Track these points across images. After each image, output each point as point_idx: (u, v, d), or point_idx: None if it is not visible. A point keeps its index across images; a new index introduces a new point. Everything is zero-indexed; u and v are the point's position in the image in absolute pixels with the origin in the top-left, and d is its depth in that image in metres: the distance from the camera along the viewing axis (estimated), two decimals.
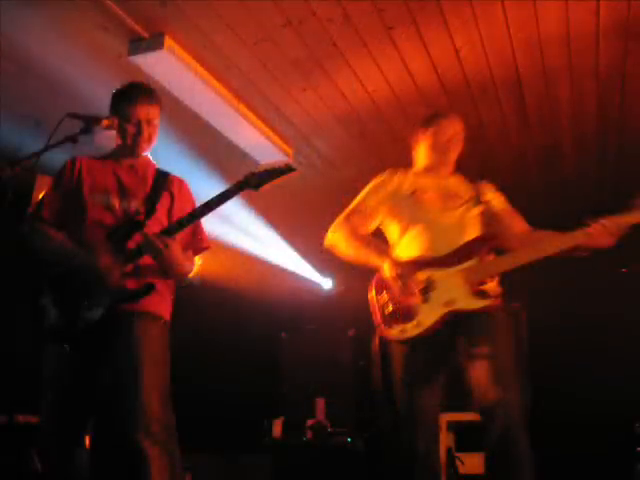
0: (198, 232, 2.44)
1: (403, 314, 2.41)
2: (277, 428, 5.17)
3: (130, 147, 2.40)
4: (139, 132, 2.36)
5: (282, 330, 5.98)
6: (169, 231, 2.24)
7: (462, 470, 4.12)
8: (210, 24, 3.09)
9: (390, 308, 2.45)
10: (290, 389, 5.66)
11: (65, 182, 2.33)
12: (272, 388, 5.72)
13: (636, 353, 4.69)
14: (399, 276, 2.39)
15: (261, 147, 4.14)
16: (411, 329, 2.38)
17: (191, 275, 2.39)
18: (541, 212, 3.24)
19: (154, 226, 2.27)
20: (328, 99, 3.81)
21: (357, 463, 4.66)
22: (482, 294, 2.38)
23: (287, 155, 4.31)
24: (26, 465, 3.33)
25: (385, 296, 2.48)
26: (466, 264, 2.41)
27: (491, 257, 2.47)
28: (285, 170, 2.29)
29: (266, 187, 2.28)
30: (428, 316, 2.37)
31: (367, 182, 2.71)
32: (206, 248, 2.46)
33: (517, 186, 3.66)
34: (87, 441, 2.44)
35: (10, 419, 3.48)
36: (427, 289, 2.39)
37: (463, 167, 2.74)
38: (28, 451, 3.33)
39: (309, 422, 5.05)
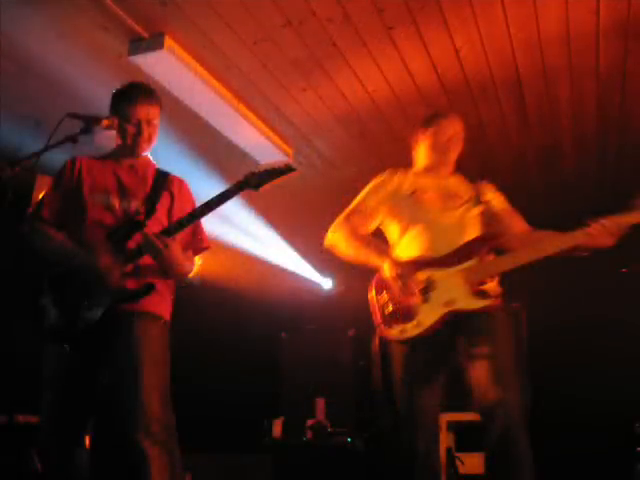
0: (198, 232, 2.44)
1: (403, 314, 2.40)
2: (277, 428, 5.17)
3: (130, 147, 2.40)
4: (139, 132, 2.36)
5: (282, 330, 5.98)
6: (169, 231, 2.24)
7: (462, 470, 4.11)
8: (210, 24, 3.09)
9: (390, 308, 2.45)
10: (290, 389, 5.65)
11: (65, 182, 2.33)
12: (272, 388, 5.72)
13: (636, 353, 4.68)
14: (399, 276, 2.38)
15: (261, 147, 4.14)
16: (411, 329, 2.38)
17: (191, 275, 2.39)
18: (541, 212, 3.24)
19: (154, 226, 2.27)
20: (328, 99, 3.81)
21: (357, 463, 4.65)
22: (482, 294, 2.37)
23: (287, 155, 4.31)
24: (26, 465, 3.33)
25: (385, 296, 2.48)
26: (466, 264, 2.41)
27: (491, 257, 2.47)
28: (285, 170, 2.29)
29: (266, 187, 2.28)
30: (428, 316, 2.37)
31: (367, 182, 2.71)
32: (206, 248, 2.46)
33: (517, 186, 3.67)
34: (87, 441, 2.44)
35: (10, 419, 3.48)
36: (427, 289, 2.39)
37: (463, 167, 2.74)
38: (28, 451, 3.33)
39: (309, 422, 5.05)
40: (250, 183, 2.26)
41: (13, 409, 3.48)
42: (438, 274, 2.41)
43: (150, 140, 2.42)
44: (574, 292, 5.04)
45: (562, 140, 4.34)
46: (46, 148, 2.08)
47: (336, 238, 2.60)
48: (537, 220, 2.60)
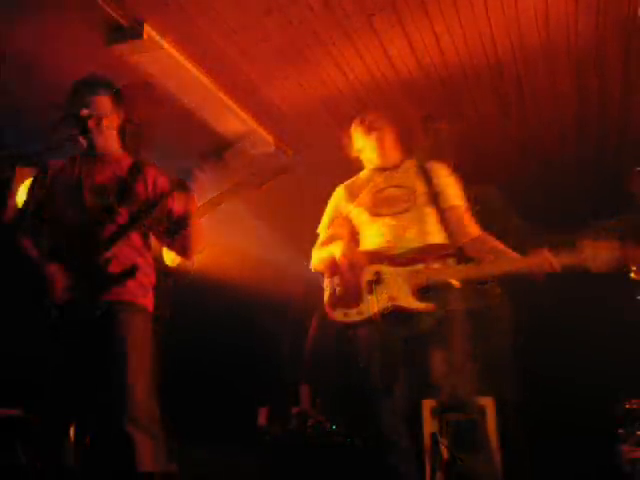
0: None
1: (348, 299, 2.49)
2: (262, 417, 5.17)
3: (97, 141, 2.39)
4: (97, 124, 2.35)
5: (280, 326, 6.01)
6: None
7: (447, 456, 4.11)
8: (191, 12, 3.07)
9: (338, 291, 2.53)
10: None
11: (39, 184, 2.37)
12: (271, 385, 5.74)
13: (636, 353, 4.67)
14: (351, 263, 2.47)
15: (252, 138, 4.10)
16: (354, 315, 2.48)
17: (189, 268, 2.42)
18: (541, 210, 3.24)
19: (124, 219, 2.29)
20: (323, 94, 3.78)
21: (357, 463, 4.64)
22: (422, 297, 2.43)
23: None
24: (11, 459, 3.32)
25: (335, 280, 2.57)
26: (415, 267, 2.46)
27: (440, 264, 2.50)
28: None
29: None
30: (371, 306, 2.44)
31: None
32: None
33: (516, 184, 3.66)
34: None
35: None
36: (375, 281, 2.47)
37: (458, 164, 2.75)
38: (13, 444, 3.32)
39: (294, 410, 5.05)
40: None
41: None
42: (387, 270, 2.48)
43: (111, 133, 2.41)
44: (574, 292, 5.02)
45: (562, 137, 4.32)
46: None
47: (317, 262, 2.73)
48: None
